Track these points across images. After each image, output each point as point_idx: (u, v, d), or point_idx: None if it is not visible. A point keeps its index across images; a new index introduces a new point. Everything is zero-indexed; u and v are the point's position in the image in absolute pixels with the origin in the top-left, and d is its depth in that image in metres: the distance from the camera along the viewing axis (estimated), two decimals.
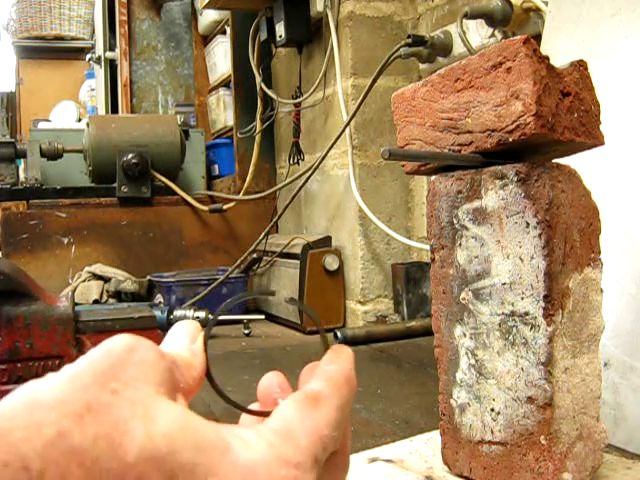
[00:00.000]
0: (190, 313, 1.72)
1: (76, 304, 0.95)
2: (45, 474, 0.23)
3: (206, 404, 1.02)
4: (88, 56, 3.78)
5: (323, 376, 0.32)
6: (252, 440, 0.28)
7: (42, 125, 3.77)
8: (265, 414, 0.30)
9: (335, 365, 0.33)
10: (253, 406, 0.35)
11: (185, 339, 0.34)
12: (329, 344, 0.35)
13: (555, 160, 0.61)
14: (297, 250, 1.89)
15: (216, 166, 2.67)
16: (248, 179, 2.29)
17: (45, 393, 0.25)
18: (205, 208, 2.27)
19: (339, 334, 1.55)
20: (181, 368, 0.31)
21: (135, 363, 0.28)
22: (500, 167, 0.60)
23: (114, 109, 3.07)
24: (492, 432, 0.62)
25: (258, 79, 2.19)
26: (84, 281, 2.03)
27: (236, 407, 0.33)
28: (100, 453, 0.24)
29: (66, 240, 2.14)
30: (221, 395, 0.33)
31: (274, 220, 2.01)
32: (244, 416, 0.34)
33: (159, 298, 2.00)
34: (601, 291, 0.63)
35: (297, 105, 2.05)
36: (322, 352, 0.35)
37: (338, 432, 0.31)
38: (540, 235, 0.57)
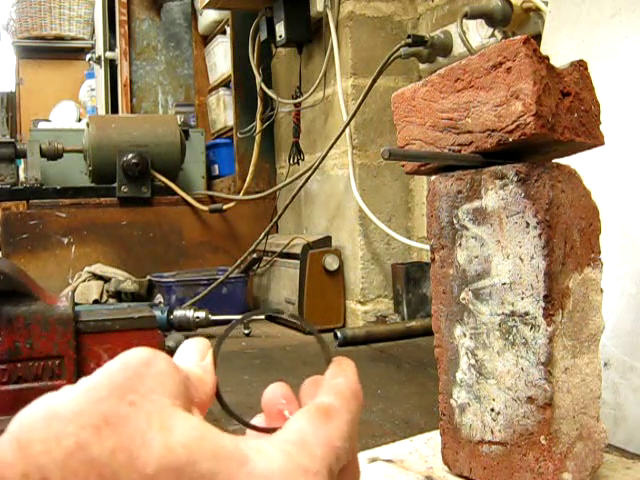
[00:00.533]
0: (190, 313, 1.72)
1: (76, 304, 0.95)
2: None
3: None
4: (88, 56, 3.78)
5: (331, 390, 0.33)
6: (269, 450, 0.28)
7: (42, 125, 3.77)
8: (271, 431, 0.31)
9: (342, 378, 0.33)
10: (259, 417, 0.35)
11: (195, 356, 0.34)
12: (331, 357, 0.35)
13: (555, 160, 0.61)
14: (297, 250, 1.89)
15: (216, 166, 2.67)
16: (248, 179, 2.29)
17: (62, 405, 0.25)
18: (205, 208, 2.27)
19: (339, 334, 1.55)
20: (195, 383, 0.31)
21: (151, 376, 0.28)
22: (500, 167, 0.60)
23: (114, 109, 3.07)
24: (492, 432, 0.62)
25: (258, 79, 2.19)
26: (84, 281, 2.03)
27: (244, 424, 0.33)
28: (119, 465, 0.24)
29: (66, 240, 2.14)
30: (229, 412, 0.33)
31: (274, 220, 2.01)
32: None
33: (159, 298, 2.00)
34: (601, 291, 0.63)
35: (297, 105, 2.05)
36: (325, 365, 0.35)
37: (349, 444, 0.31)
38: (540, 235, 0.57)
